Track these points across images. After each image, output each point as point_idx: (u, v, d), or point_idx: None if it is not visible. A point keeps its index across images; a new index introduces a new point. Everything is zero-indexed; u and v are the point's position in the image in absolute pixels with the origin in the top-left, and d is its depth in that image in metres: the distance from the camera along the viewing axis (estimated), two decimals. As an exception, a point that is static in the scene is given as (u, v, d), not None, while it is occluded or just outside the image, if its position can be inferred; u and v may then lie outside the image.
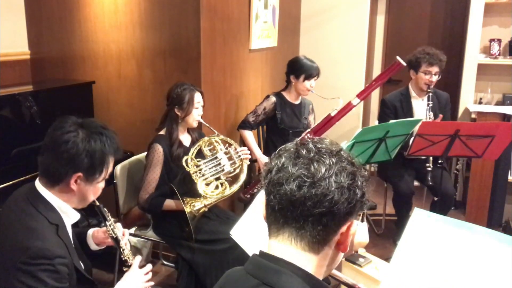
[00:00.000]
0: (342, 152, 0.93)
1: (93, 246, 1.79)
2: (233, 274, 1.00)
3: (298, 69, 2.99)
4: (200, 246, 2.38)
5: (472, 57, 3.80)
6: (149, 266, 1.70)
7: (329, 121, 2.83)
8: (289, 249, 0.91)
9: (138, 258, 1.69)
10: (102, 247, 1.81)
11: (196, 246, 2.37)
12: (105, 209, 1.69)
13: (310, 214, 0.88)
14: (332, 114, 2.82)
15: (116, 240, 1.68)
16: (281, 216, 0.91)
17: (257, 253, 0.96)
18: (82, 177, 1.46)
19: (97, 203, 1.65)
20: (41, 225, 1.41)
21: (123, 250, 1.69)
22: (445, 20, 4.38)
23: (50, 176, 1.46)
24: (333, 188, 0.87)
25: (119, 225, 1.74)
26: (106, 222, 1.68)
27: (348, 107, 2.80)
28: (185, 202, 2.32)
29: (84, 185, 1.48)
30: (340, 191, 0.88)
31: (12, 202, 1.50)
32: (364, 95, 2.80)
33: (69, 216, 1.53)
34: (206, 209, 2.37)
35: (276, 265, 0.91)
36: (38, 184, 1.48)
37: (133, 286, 1.61)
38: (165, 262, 3.02)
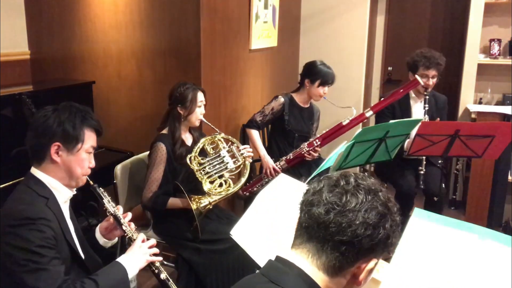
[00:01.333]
0: (380, 194, 0.96)
1: (102, 241, 1.78)
2: (249, 275, 1.07)
3: (315, 73, 2.94)
4: (200, 246, 2.38)
5: (472, 57, 3.80)
6: (152, 240, 1.71)
7: (339, 130, 2.84)
8: (305, 262, 0.97)
9: (142, 235, 1.71)
10: (112, 240, 1.80)
11: (197, 245, 2.37)
12: (100, 188, 1.71)
13: (331, 238, 0.93)
14: (344, 123, 2.83)
15: (116, 217, 1.70)
16: (306, 232, 0.97)
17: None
18: (62, 147, 1.53)
19: (92, 183, 1.68)
20: (29, 195, 1.50)
21: (125, 227, 1.70)
22: (445, 20, 4.38)
23: (34, 153, 1.56)
24: (358, 222, 0.91)
25: (119, 206, 1.74)
26: (103, 200, 1.70)
27: (360, 118, 2.83)
28: (192, 199, 2.33)
29: (66, 156, 1.55)
30: (364, 226, 0.91)
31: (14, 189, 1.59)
32: (377, 108, 2.84)
33: (60, 192, 1.58)
34: (211, 207, 2.39)
35: (287, 267, 0.97)
36: (32, 168, 1.58)
37: (136, 258, 1.63)
38: (165, 262, 3.00)
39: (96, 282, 1.49)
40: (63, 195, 1.60)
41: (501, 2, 3.77)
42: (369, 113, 2.81)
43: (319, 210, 0.94)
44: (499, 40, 3.87)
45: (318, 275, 0.95)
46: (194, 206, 2.31)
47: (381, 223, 0.93)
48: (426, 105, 3.04)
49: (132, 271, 1.61)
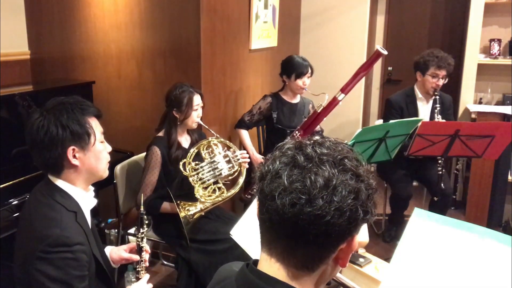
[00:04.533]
0: (346, 160, 0.81)
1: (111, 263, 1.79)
2: (225, 283, 0.95)
3: (289, 68, 3.01)
4: (200, 246, 2.37)
5: (472, 57, 3.80)
6: (150, 285, 1.72)
7: (316, 118, 2.85)
8: (282, 266, 0.84)
9: (147, 276, 1.70)
10: (117, 266, 1.83)
11: (197, 245, 2.37)
12: (145, 217, 1.70)
13: (302, 233, 0.79)
14: (318, 111, 2.83)
15: (141, 250, 1.69)
16: (273, 230, 0.83)
17: (249, 264, 0.90)
18: (77, 149, 1.45)
19: (142, 209, 1.69)
20: (59, 213, 1.41)
21: (141, 261, 1.69)
22: (445, 20, 4.38)
23: (50, 167, 1.47)
24: (331, 209, 0.77)
25: (146, 242, 1.75)
26: (141, 229, 1.68)
27: (333, 103, 2.80)
28: (180, 206, 2.29)
29: (84, 155, 1.47)
30: (339, 212, 0.77)
31: (32, 198, 1.51)
32: (348, 89, 2.77)
33: (86, 201, 1.53)
34: (203, 213, 2.35)
35: (267, 285, 0.84)
36: (51, 176, 1.49)
37: None
38: (165, 262, 3.02)
39: None
40: (88, 204, 1.55)
41: (501, 2, 3.77)
42: (340, 96, 2.77)
43: (281, 202, 0.78)
44: (499, 40, 3.87)
45: (301, 277, 0.83)
46: (182, 214, 2.26)
47: (357, 202, 0.79)
48: (438, 105, 3.01)
49: None
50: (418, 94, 3.21)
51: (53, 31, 3.26)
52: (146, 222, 1.71)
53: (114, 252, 1.78)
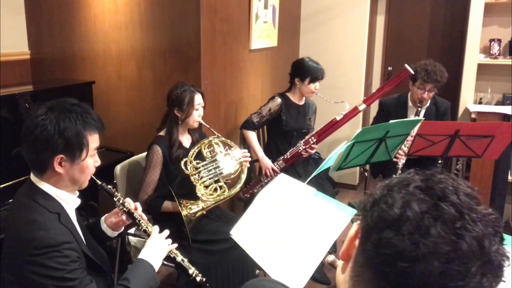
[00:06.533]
0: (493, 217, 0.63)
1: (110, 232, 1.78)
2: None
3: (304, 71, 2.96)
4: (200, 246, 2.37)
5: (472, 57, 3.80)
6: (166, 232, 1.73)
7: (334, 125, 2.84)
8: None
9: (156, 227, 1.71)
10: (120, 231, 1.82)
11: (197, 245, 2.37)
12: (109, 186, 1.68)
13: None
14: (338, 118, 2.82)
15: (129, 213, 1.69)
16: (385, 285, 0.63)
17: None
18: (65, 158, 1.43)
19: (99, 182, 1.64)
20: (41, 215, 1.41)
21: (139, 221, 1.70)
22: (445, 20, 4.38)
23: (35, 165, 1.46)
24: (483, 285, 0.60)
25: (129, 200, 1.73)
26: (114, 198, 1.67)
27: (354, 112, 2.81)
28: (182, 205, 2.29)
29: (70, 166, 1.45)
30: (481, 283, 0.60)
31: (15, 200, 1.52)
32: (370, 101, 2.81)
33: (69, 202, 1.52)
34: (204, 212, 2.35)
35: None
36: (33, 177, 1.48)
37: (157, 250, 1.66)
38: (165, 262, 3.01)
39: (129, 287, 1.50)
40: (72, 205, 1.54)
41: (501, 2, 3.77)
42: (362, 107, 2.79)
43: (426, 268, 0.59)
44: (499, 40, 3.87)
45: None
46: (184, 213, 2.26)
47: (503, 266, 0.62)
48: (417, 117, 3.03)
49: (157, 265, 1.63)
50: (409, 102, 3.22)
51: (53, 31, 3.26)
52: (109, 187, 1.68)
53: (107, 219, 1.78)
